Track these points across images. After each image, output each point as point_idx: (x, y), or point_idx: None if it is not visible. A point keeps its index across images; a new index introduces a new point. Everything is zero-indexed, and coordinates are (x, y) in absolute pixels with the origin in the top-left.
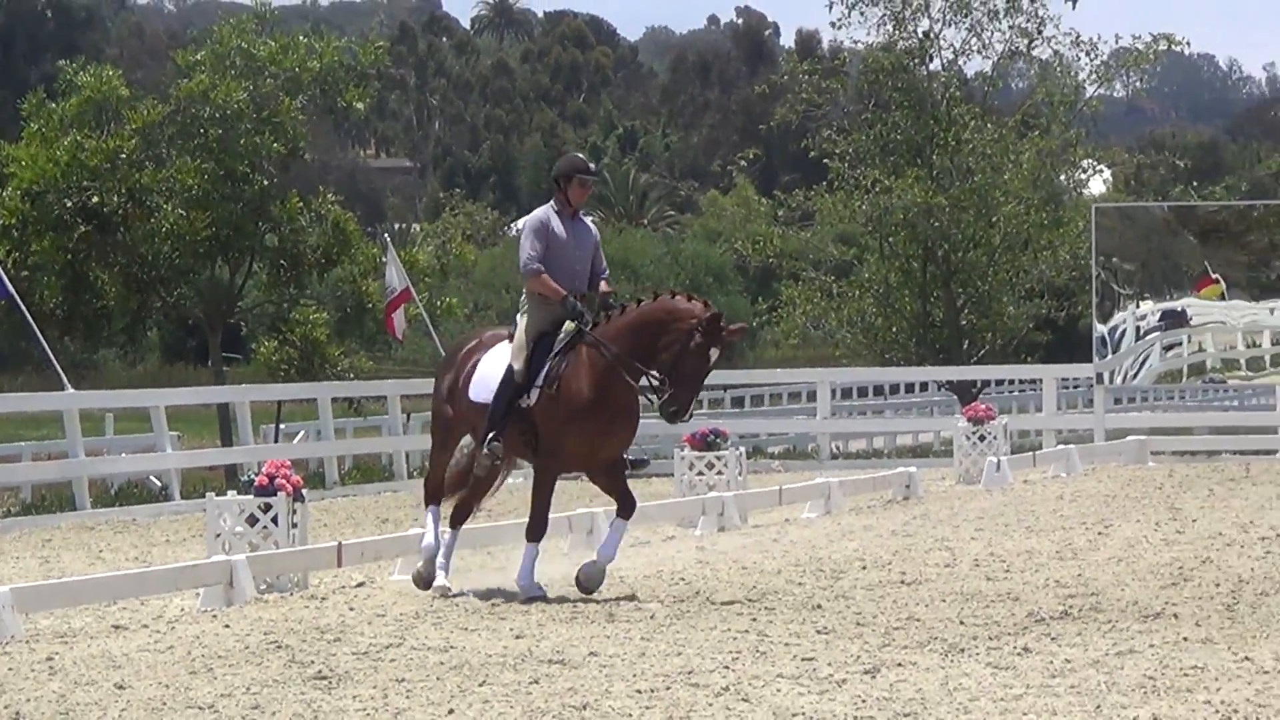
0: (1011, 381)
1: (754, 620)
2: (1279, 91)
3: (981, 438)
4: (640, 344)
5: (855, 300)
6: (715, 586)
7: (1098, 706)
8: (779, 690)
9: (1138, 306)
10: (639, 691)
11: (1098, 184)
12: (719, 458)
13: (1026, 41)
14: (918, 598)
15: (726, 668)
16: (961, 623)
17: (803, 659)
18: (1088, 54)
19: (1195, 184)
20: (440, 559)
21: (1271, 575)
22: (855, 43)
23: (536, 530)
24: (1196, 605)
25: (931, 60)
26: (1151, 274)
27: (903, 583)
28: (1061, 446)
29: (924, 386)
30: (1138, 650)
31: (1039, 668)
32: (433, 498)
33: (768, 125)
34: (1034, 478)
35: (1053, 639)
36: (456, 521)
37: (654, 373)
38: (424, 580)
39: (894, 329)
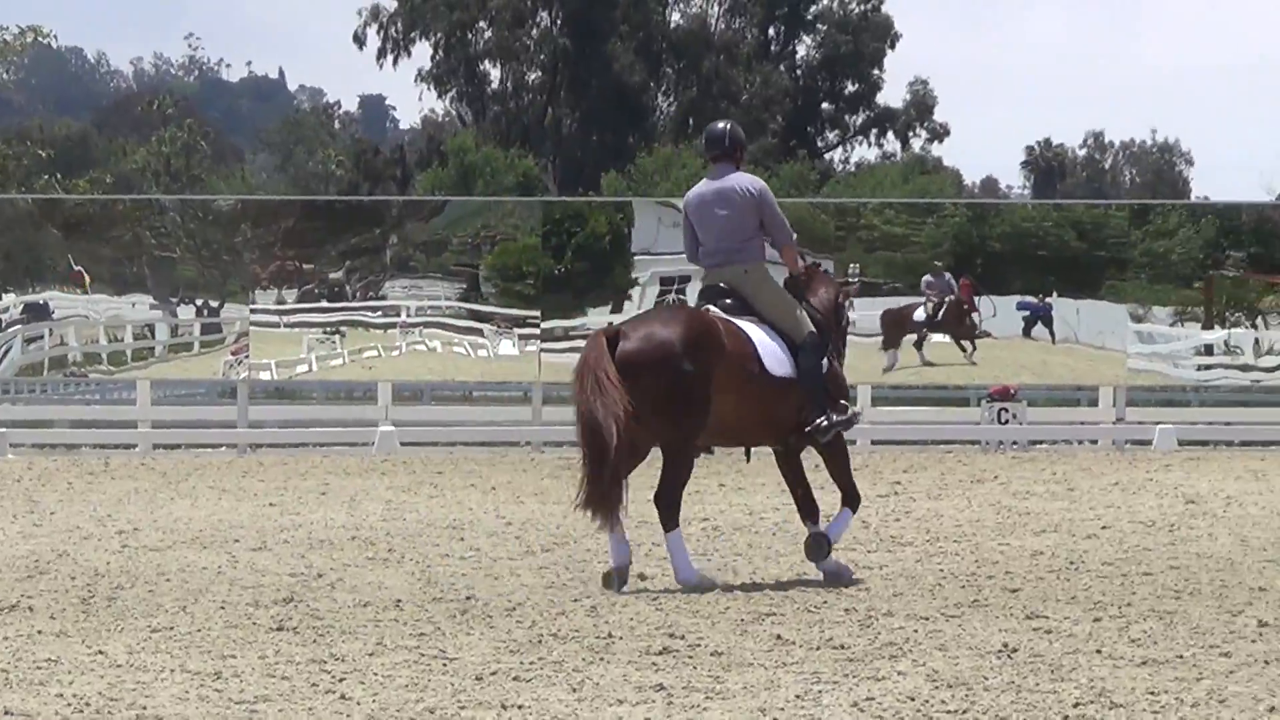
0: None
1: None
2: (146, 85)
3: None
4: None
5: None
6: None
7: None
8: None
9: (0, 299)
10: None
11: None
12: None
13: None
14: None
15: None
16: None
17: None
18: None
19: (61, 176)
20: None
21: (128, 569)
22: None
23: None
24: (52, 598)
25: None
26: (15, 266)
27: None
28: None
29: None
30: None
31: None
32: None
33: None
34: None
35: None
36: None
37: None
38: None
39: None
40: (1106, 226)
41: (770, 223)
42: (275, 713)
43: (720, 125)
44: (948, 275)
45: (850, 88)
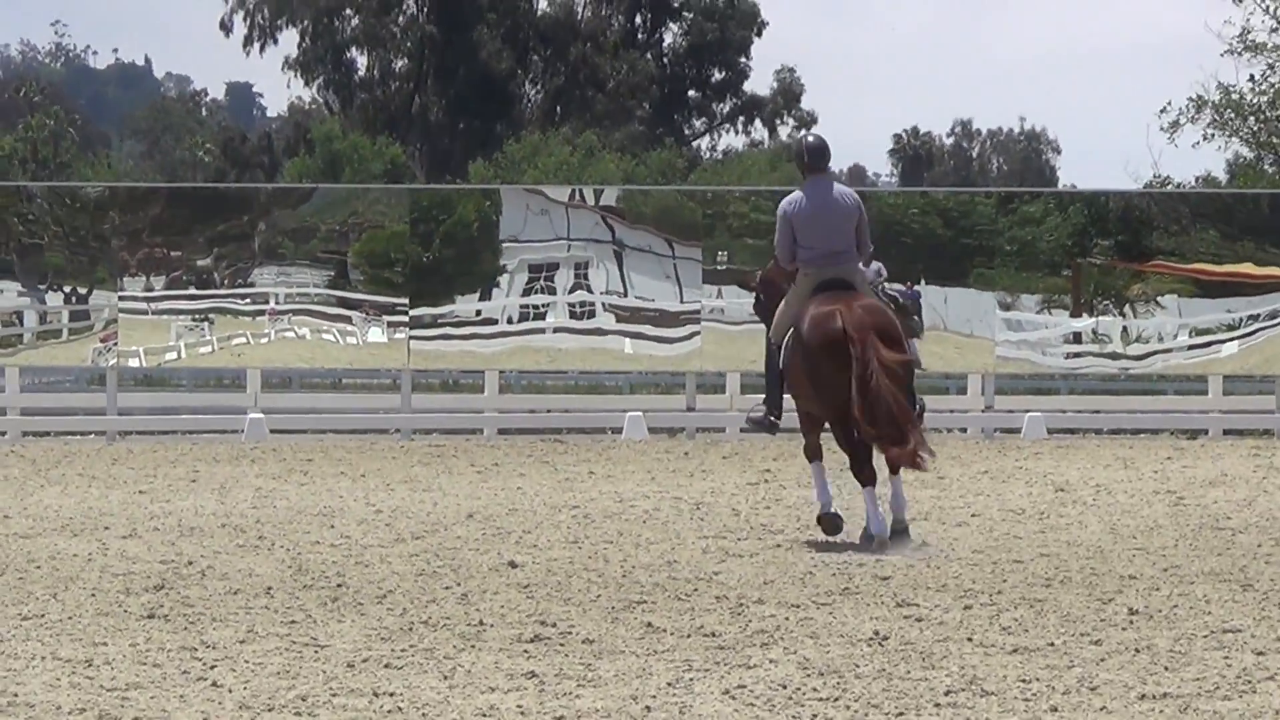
0: None
1: None
2: (11, 72)
3: None
4: None
5: None
6: None
7: None
8: None
9: None
10: None
11: None
12: None
13: None
14: None
15: None
16: None
17: None
18: None
19: None
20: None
21: None
22: None
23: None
24: None
25: None
26: None
27: None
28: None
29: None
30: None
31: None
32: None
33: None
34: None
35: None
36: None
37: None
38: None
39: None
40: (973, 214)
41: (862, 229)
42: (147, 700)
43: (822, 139)
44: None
45: (717, 75)
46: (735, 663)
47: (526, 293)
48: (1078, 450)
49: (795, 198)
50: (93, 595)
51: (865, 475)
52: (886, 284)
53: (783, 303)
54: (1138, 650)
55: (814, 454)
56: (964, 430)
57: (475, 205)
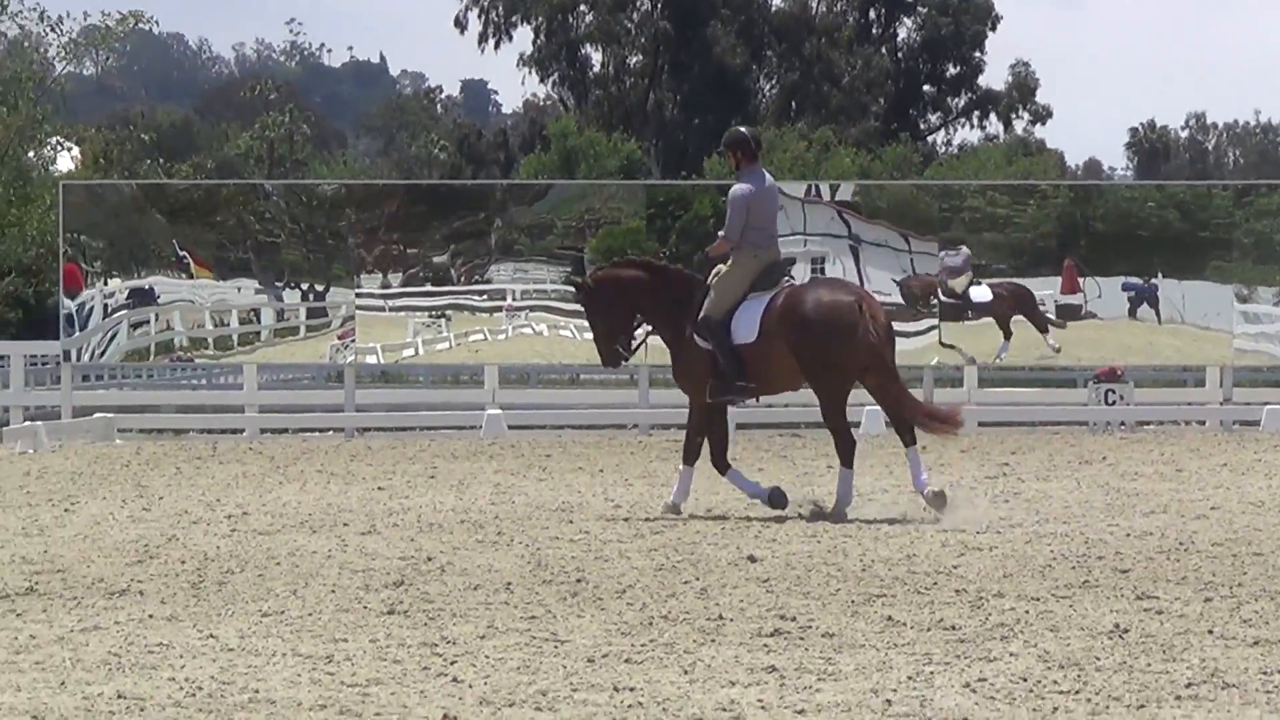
0: None
1: None
2: (248, 71)
3: None
4: None
5: None
6: None
7: (62, 682)
8: None
9: (106, 283)
10: None
11: (66, 160)
12: None
13: None
14: None
15: None
16: None
17: None
18: (54, 30)
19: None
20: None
21: (237, 553)
22: None
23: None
24: (162, 583)
25: None
26: (120, 251)
27: None
28: (29, 423)
29: None
30: (103, 627)
31: (4, 643)
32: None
33: None
34: (1, 454)
35: (18, 615)
36: None
37: None
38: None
39: None
40: (1210, 207)
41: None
42: (387, 696)
43: (749, 130)
44: (964, 250)
45: (951, 70)
46: (975, 656)
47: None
48: None
49: (746, 186)
50: (332, 591)
51: (909, 437)
52: (1125, 278)
53: (719, 280)
54: None
55: (692, 457)
56: (1202, 423)
57: (711, 200)
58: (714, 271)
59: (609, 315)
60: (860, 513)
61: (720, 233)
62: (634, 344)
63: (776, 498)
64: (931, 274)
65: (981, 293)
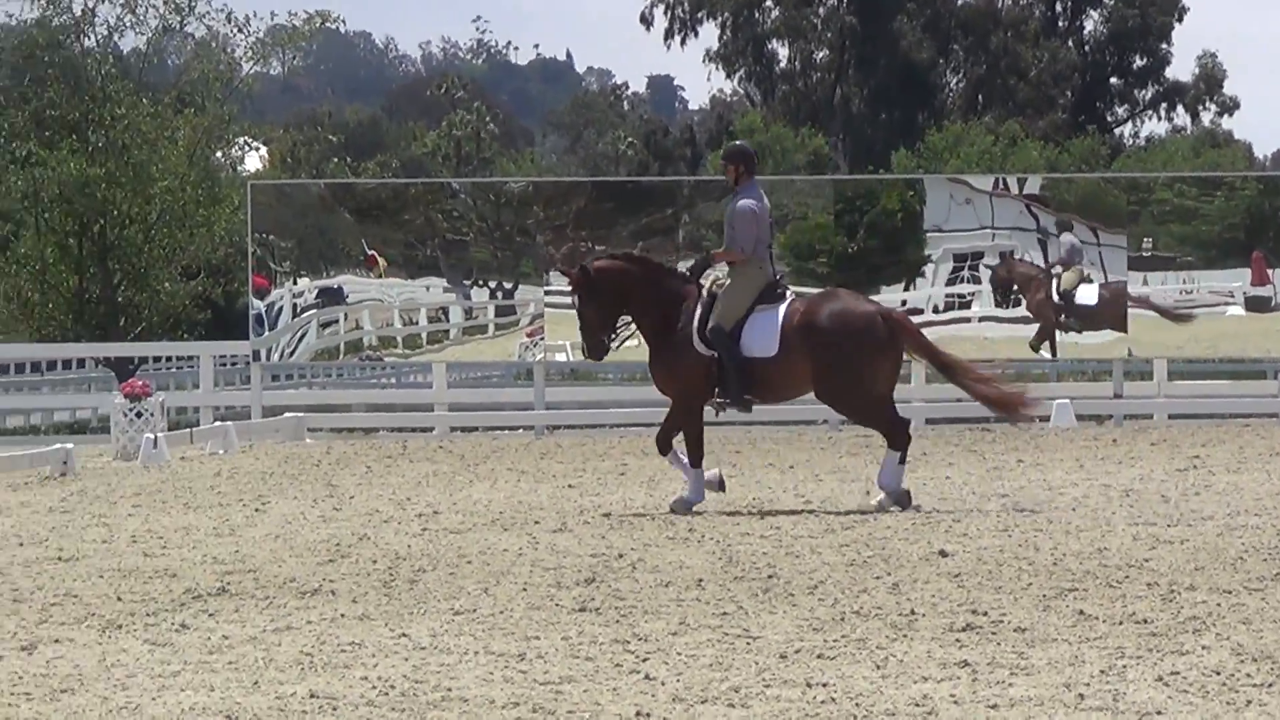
0: (170, 358)
1: None
2: (434, 70)
3: (139, 414)
4: None
5: (11, 276)
6: None
7: (255, 682)
8: None
9: (295, 283)
10: None
11: (254, 160)
12: None
13: (180, 18)
14: (75, 574)
15: None
16: (119, 599)
17: None
18: (241, 30)
19: (351, 161)
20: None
21: (428, 552)
22: (9, 17)
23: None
24: (354, 582)
25: (86, 37)
26: (308, 251)
27: (59, 559)
28: (219, 423)
29: (81, 363)
30: (295, 626)
31: (197, 644)
32: None
33: None
34: (191, 454)
35: (210, 615)
36: None
37: None
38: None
39: (51, 305)
40: None
41: None
42: (580, 693)
43: (747, 144)
44: (1069, 239)
45: (1138, 62)
46: (1168, 649)
47: (951, 282)
48: None
49: (751, 200)
50: (524, 589)
51: (900, 441)
52: None
53: (726, 291)
54: None
55: (667, 449)
56: None
57: (899, 195)
58: (710, 279)
59: (602, 306)
60: (1052, 507)
61: (723, 247)
62: (615, 338)
63: (713, 481)
64: (1034, 263)
65: (1089, 293)
